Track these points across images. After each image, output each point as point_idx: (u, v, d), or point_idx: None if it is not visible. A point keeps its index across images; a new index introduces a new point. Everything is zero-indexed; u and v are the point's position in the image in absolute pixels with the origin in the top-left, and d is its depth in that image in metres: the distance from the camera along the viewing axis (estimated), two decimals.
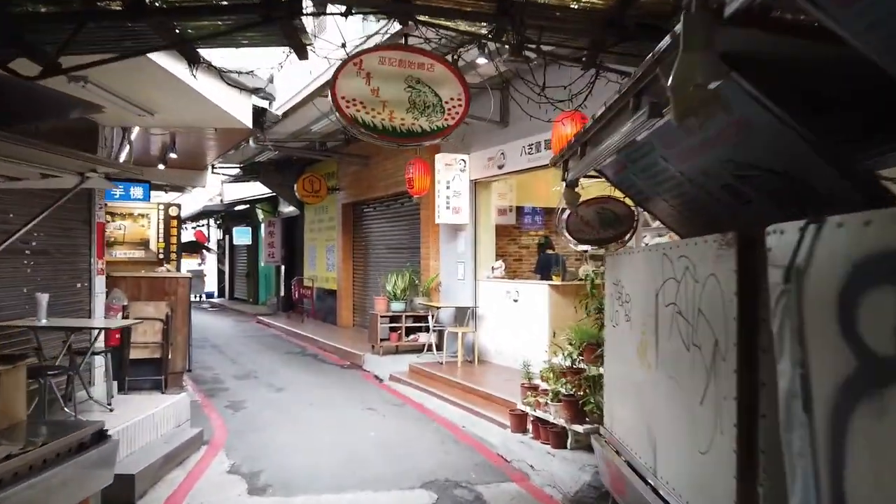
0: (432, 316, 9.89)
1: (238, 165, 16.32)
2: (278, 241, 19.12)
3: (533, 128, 8.50)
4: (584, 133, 3.36)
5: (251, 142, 11.91)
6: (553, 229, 11.21)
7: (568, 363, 5.77)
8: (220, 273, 27.57)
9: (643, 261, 3.31)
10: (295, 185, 14.27)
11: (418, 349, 10.30)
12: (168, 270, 9.62)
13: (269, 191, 18.44)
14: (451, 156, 9.84)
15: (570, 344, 5.83)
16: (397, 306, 10.21)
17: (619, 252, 3.91)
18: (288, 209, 18.61)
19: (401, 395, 8.48)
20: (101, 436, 4.04)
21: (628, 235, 4.15)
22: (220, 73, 6.18)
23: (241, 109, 7.27)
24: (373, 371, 9.97)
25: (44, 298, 5.83)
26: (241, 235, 22.30)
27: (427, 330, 10.22)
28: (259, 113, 8.45)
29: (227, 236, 25.80)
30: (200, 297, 26.55)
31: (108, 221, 10.02)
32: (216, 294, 27.21)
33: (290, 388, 8.88)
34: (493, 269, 9.71)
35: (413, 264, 11.31)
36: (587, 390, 5.31)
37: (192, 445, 6.16)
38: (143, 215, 10.26)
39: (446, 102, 4.60)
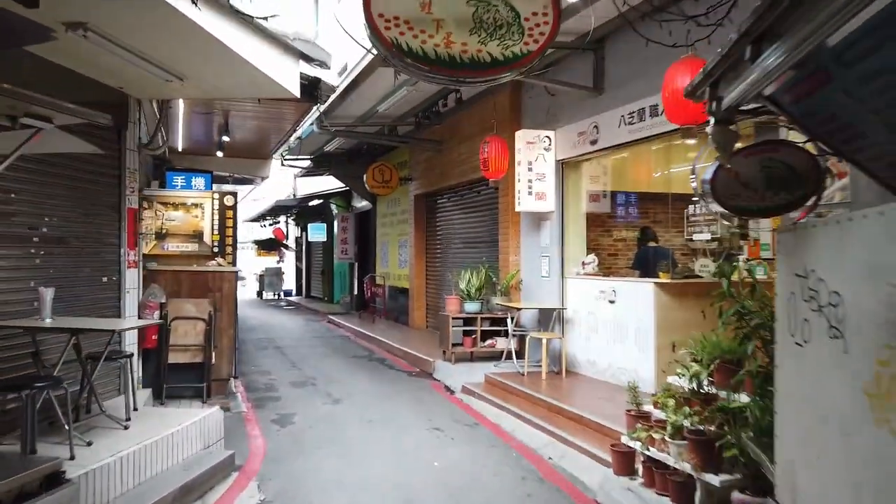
0: (512, 319, 8.55)
1: (308, 157, 15.53)
2: (351, 236, 18.28)
3: (634, 92, 7.03)
4: (759, 20, 1.96)
5: (314, 127, 10.95)
6: (653, 218, 9.63)
7: (692, 386, 4.30)
8: (298, 271, 27.21)
9: (885, 235, 1.86)
10: (364, 176, 13.26)
11: (495, 356, 8.98)
12: (219, 265, 8.74)
13: (342, 184, 17.61)
14: (533, 132, 8.47)
15: (695, 360, 4.36)
16: (472, 307, 8.93)
17: (814, 223, 2.44)
18: (361, 203, 17.73)
19: (474, 411, 7.20)
20: (54, 480, 2.96)
21: (812, 200, 2.67)
22: (252, 20, 5.07)
23: (286, 75, 6.18)
24: (443, 381, 8.74)
25: (48, 293, 4.91)
26: (316, 232, 21.67)
27: (505, 335, 8.89)
28: (312, 84, 7.39)
29: (304, 233, 25.34)
30: (279, 295, 26.27)
31: (160, 212, 9.26)
32: (294, 292, 26.85)
33: (348, 399, 7.77)
34: (583, 264, 8.26)
35: (490, 260, 10.00)
36: (724, 427, 3.83)
37: (220, 472, 5.10)
38: (196, 205, 9.43)
39: (526, 20, 3.30)
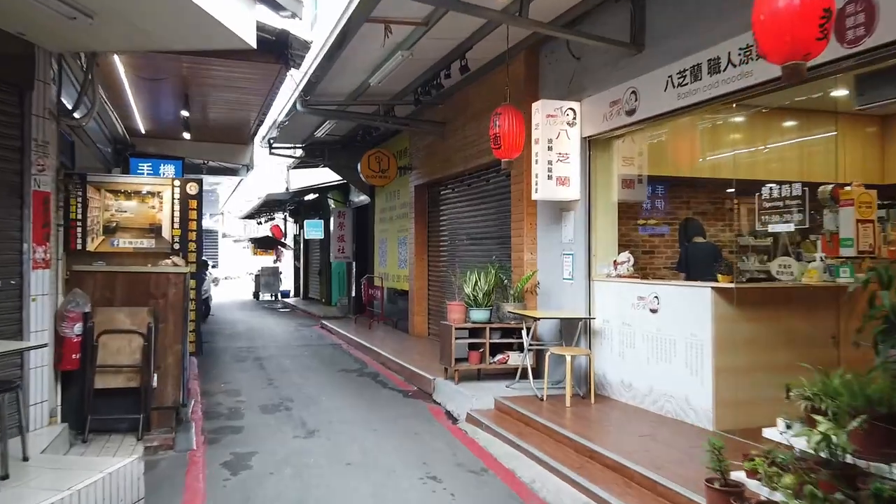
0: (527, 330, 7.04)
1: (298, 146, 14.06)
2: (349, 234, 16.82)
3: (686, 44, 5.51)
4: None
5: (298, 105, 9.47)
6: (694, 209, 8.09)
7: (821, 453, 2.78)
8: (297, 270, 25.78)
9: None
10: (359, 165, 11.79)
11: (508, 375, 7.50)
12: (174, 264, 7.27)
13: (338, 177, 16.15)
14: (554, 103, 6.96)
15: (818, 412, 2.84)
16: (479, 315, 7.43)
17: None
18: (359, 198, 16.27)
19: (481, 449, 5.69)
20: None
21: None
22: None
23: (237, 18, 4.70)
24: (444, 404, 7.24)
25: None
26: (313, 229, 20.22)
27: (519, 349, 7.39)
28: (281, 41, 5.92)
29: (301, 231, 23.91)
30: (276, 296, 24.86)
31: (109, 202, 7.81)
32: (292, 293, 25.43)
33: (326, 429, 6.29)
34: (616, 264, 6.75)
35: (501, 259, 8.50)
36: None
37: None
38: (153, 194, 7.97)
39: None
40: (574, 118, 6.98)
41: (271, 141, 13.26)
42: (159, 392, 5.87)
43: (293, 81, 9.31)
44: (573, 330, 6.91)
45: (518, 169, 7.92)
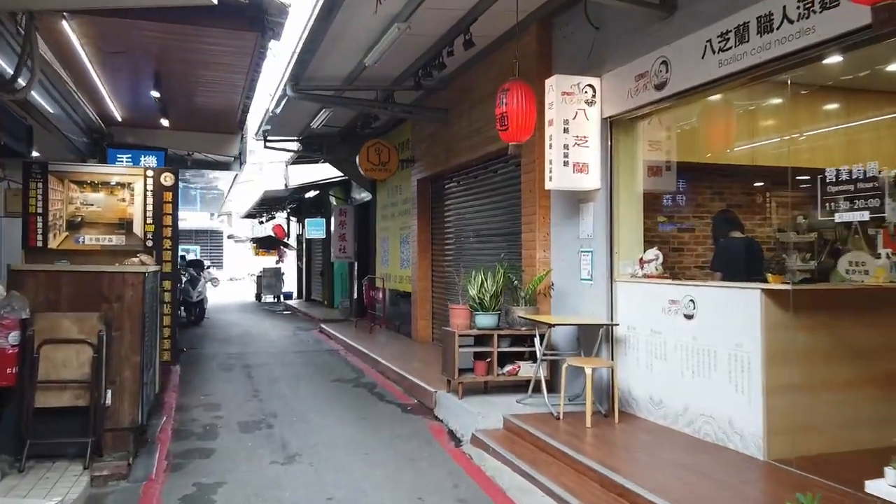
0: (541, 337, 6.19)
1: (296, 138, 13.26)
2: (350, 232, 16.00)
3: (728, 2, 4.66)
4: None
5: (288, 90, 8.66)
6: (728, 201, 7.22)
7: None
8: (299, 271, 25.01)
9: None
10: (357, 158, 10.97)
11: (518, 388, 6.65)
12: (142, 263, 6.47)
13: (339, 172, 15.35)
14: (570, 79, 6.11)
15: None
16: (486, 321, 6.57)
17: None
18: (361, 194, 15.47)
19: (488, 480, 4.84)
20: None
21: None
22: None
23: None
24: (447, 421, 6.41)
25: None
26: (314, 228, 19.42)
27: (531, 358, 6.54)
28: (254, 2, 5.09)
29: (303, 230, 23.14)
30: (278, 298, 24.09)
31: (73, 193, 7.03)
32: (294, 294, 24.64)
33: (310, 453, 5.47)
34: (641, 262, 5.89)
35: (511, 257, 7.65)
36: None
37: None
38: (123, 185, 7.18)
39: None
40: (593, 96, 6.12)
41: (265, 133, 12.48)
42: (114, 411, 5.05)
43: (281, 65, 8.52)
44: (593, 338, 6.04)
45: (529, 157, 7.08)
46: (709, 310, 5.02)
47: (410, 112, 9.90)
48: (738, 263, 5.93)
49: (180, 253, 31.54)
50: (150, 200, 7.26)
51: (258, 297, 24.72)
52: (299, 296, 24.34)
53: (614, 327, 5.98)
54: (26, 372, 4.71)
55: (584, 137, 6.10)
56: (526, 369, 6.59)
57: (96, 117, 8.64)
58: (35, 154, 8.30)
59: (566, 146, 6.05)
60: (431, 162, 10.25)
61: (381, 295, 12.85)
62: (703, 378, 5.03)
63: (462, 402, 6.39)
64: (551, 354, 6.28)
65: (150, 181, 7.27)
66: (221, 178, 17.15)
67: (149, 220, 7.24)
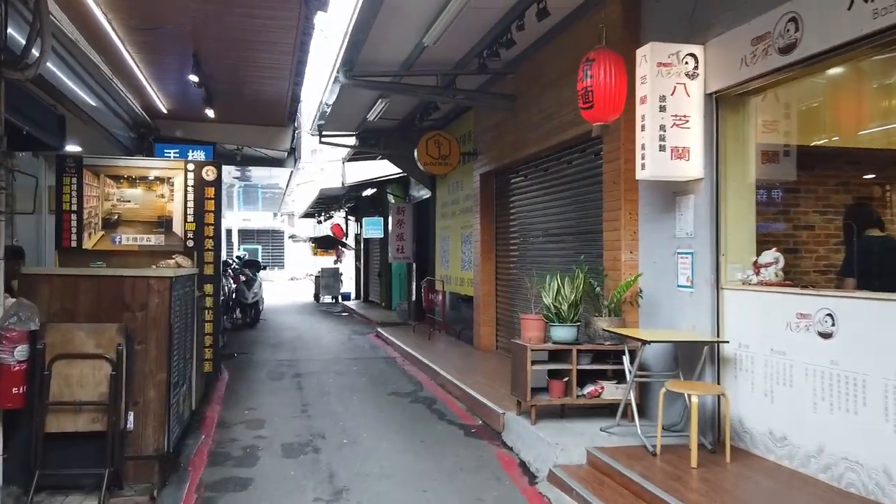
0: (630, 354, 5.23)
1: (353, 133, 12.61)
2: (408, 232, 15.27)
3: None
4: None
5: (341, 77, 7.94)
6: (856, 192, 6.08)
7: None
8: (357, 271, 24.52)
9: None
10: (416, 151, 10.19)
11: (601, 411, 5.71)
12: (178, 265, 5.84)
13: (397, 169, 14.65)
14: (668, 48, 5.12)
15: None
16: (563, 333, 5.64)
17: None
18: (420, 192, 14.71)
19: None
20: None
21: None
22: None
23: None
24: (518, 450, 5.53)
25: None
26: (372, 227, 18.83)
27: (615, 377, 5.60)
28: None
29: (361, 229, 22.62)
30: (336, 299, 23.66)
31: (110, 189, 6.48)
32: (353, 295, 24.16)
33: (359, 487, 4.69)
34: (756, 266, 4.86)
35: (590, 259, 6.68)
36: None
37: None
38: (162, 181, 6.60)
39: None
40: (695, 67, 5.12)
41: (320, 127, 11.86)
42: (136, 437, 4.40)
43: (332, 51, 7.82)
44: (694, 357, 5.04)
45: (613, 143, 6.11)
46: (855, 327, 3.97)
47: (474, 99, 9.05)
48: (879, 266, 4.83)
49: (239, 253, 31.63)
50: (190, 197, 6.65)
51: (316, 297, 24.37)
52: (357, 297, 23.85)
53: (723, 345, 4.96)
54: (35, 391, 4.09)
55: (685, 117, 5.10)
56: (610, 391, 5.64)
57: (141, 110, 8.15)
58: (77, 149, 7.87)
59: (662, 127, 5.07)
60: (496, 154, 9.37)
61: (440, 298, 12.05)
62: (847, 413, 3.98)
63: (535, 428, 5.49)
64: (643, 375, 5.30)
65: (190, 176, 6.67)
66: (281, 177, 16.66)
67: (189, 218, 6.63)
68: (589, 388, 5.68)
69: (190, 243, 6.62)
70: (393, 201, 16.34)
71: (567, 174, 7.73)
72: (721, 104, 5.12)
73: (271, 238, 44.40)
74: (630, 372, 5.13)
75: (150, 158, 6.99)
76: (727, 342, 4.92)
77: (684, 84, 5.11)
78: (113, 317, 4.35)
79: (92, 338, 4.21)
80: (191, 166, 6.67)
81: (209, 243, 6.67)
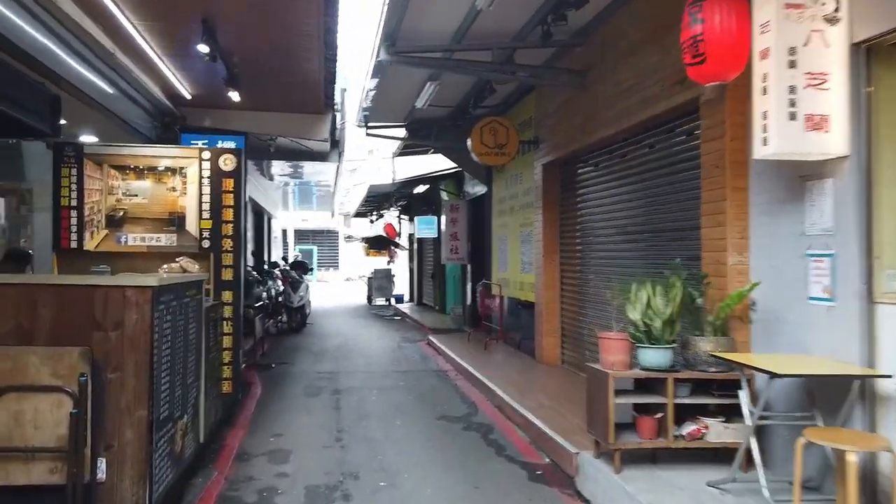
0: (746, 387, 3.99)
1: (401, 124, 11.61)
2: (462, 231, 14.19)
3: None
4: None
5: (383, 52, 6.92)
6: None
7: None
8: (411, 273, 23.60)
9: None
10: (469, 141, 9.09)
11: (704, 456, 4.49)
12: (183, 270, 4.92)
13: (450, 164, 13.61)
14: None
15: None
16: (655, 358, 4.44)
17: None
18: (475, 188, 13.61)
19: None
20: None
21: None
22: None
23: None
24: None
25: None
26: (425, 226, 17.84)
27: (723, 413, 4.38)
28: None
29: (414, 228, 21.66)
30: (389, 301, 22.79)
31: (114, 181, 5.63)
32: (406, 297, 23.25)
33: None
34: None
35: (688, 263, 5.41)
36: None
37: None
38: (173, 171, 5.70)
39: None
40: (836, 10, 3.84)
41: (366, 118, 10.92)
42: (109, 489, 3.45)
43: (373, 26, 6.82)
44: (837, 394, 3.77)
45: (716, 117, 4.87)
46: None
47: (537, 76, 7.88)
48: None
49: (293, 254, 31.27)
50: (206, 190, 5.74)
51: (369, 299, 23.57)
52: (410, 299, 22.92)
53: (883, 380, 3.67)
54: None
55: (822, 75, 3.83)
56: (716, 431, 4.41)
57: (162, 96, 7.33)
58: (93, 139, 7.11)
59: (792, 89, 3.80)
60: (561, 141, 8.17)
61: (497, 303, 10.91)
62: None
63: (620, 478, 4.30)
64: (765, 417, 4.04)
65: (206, 165, 5.75)
66: (329, 172, 15.82)
67: (205, 215, 5.72)
68: (689, 428, 4.46)
69: (206, 244, 5.71)
70: (446, 198, 15.29)
71: (649, 160, 6.48)
72: (873, 58, 3.84)
73: (326, 238, 44.10)
74: (751, 413, 3.89)
75: (158, 145, 6.14)
76: (889, 376, 3.63)
77: (821, 31, 3.84)
78: (80, 337, 3.42)
79: (48, 365, 3.28)
80: (206, 154, 5.75)
81: (228, 243, 5.73)
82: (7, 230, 7.60)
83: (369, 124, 11.21)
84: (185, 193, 5.70)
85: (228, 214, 5.74)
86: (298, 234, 42.36)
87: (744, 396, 4.02)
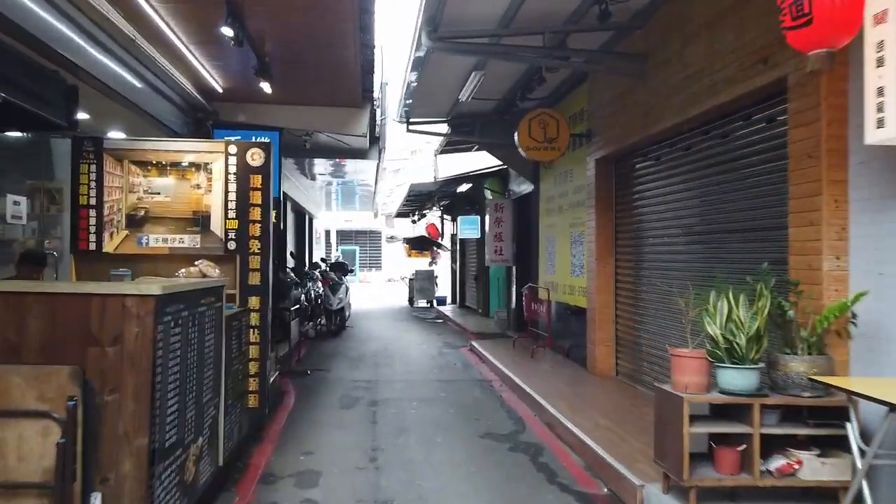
0: (853, 418, 3.31)
1: (443, 119, 11.09)
2: (507, 231, 13.58)
3: None
4: None
5: (424, 38, 6.39)
6: None
7: None
8: (453, 274, 23.07)
9: None
10: (516, 135, 8.49)
11: (792, 494, 3.82)
12: (202, 274, 4.47)
13: (495, 162, 13.03)
14: None
15: None
16: (738, 379, 3.79)
17: None
18: (521, 186, 12.99)
19: None
20: None
21: None
22: None
23: None
24: None
25: None
26: (468, 227, 17.28)
27: (818, 446, 3.69)
28: None
29: (456, 229, 21.11)
30: (431, 303, 22.31)
31: (135, 179, 5.24)
32: (448, 299, 22.72)
33: None
34: None
35: (775, 267, 4.71)
36: None
37: None
38: (197, 167, 5.28)
39: None
40: None
41: (407, 113, 10.44)
42: None
43: (412, 16, 6.31)
44: None
45: (809, 99, 4.19)
46: None
47: (593, 62, 7.23)
48: None
49: (335, 254, 31.00)
50: (232, 187, 5.30)
51: (411, 301, 23.14)
52: (452, 301, 22.39)
53: None
54: None
55: None
56: (812, 468, 3.74)
57: (193, 89, 6.97)
58: (120, 135, 6.78)
59: None
60: (617, 134, 7.51)
61: (544, 308, 10.28)
62: None
63: None
64: (883, 456, 3.35)
65: (232, 161, 5.32)
66: (369, 171, 15.37)
67: (231, 214, 5.28)
68: (777, 462, 3.79)
69: (231, 245, 5.27)
70: (490, 197, 14.70)
71: (720, 151, 5.78)
72: None
73: (369, 239, 43.97)
74: (862, 451, 3.22)
75: (182, 139, 5.72)
76: None
77: None
78: (73, 354, 2.97)
79: (33, 387, 2.84)
80: (232, 149, 5.32)
81: (255, 245, 5.28)
82: (36, 231, 7.33)
83: (410, 120, 10.73)
84: (210, 191, 5.27)
85: (256, 214, 5.29)
86: (341, 235, 42.32)
87: (852, 430, 3.34)
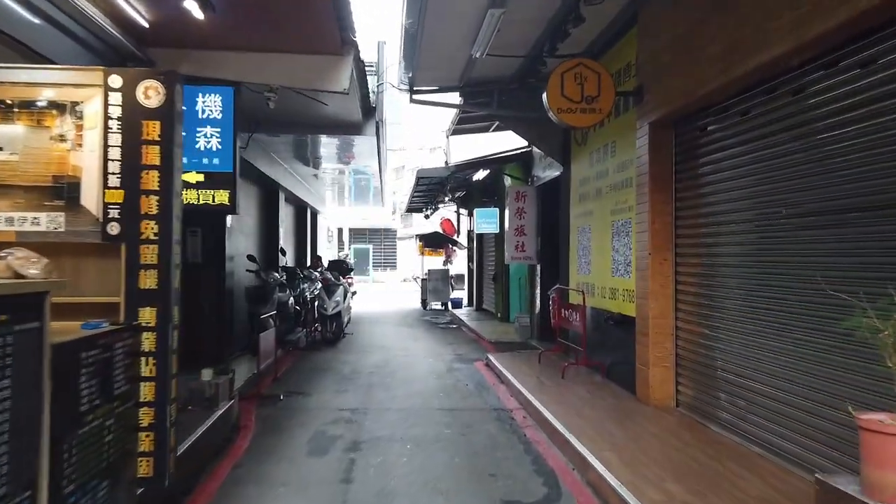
0: None
1: (455, 86, 9.20)
2: (531, 223, 11.67)
3: None
4: None
5: None
6: None
7: None
8: (469, 274, 21.16)
9: None
10: (545, 96, 6.58)
11: None
12: (13, 272, 2.63)
13: (517, 143, 11.14)
14: None
15: None
16: None
17: None
18: (546, 171, 11.07)
19: None
20: None
21: None
22: None
23: None
24: None
25: None
26: (485, 220, 15.41)
27: None
28: None
29: (473, 223, 19.20)
30: (446, 305, 20.42)
31: None
32: (465, 301, 20.81)
33: None
34: None
35: None
36: None
37: None
38: (60, 108, 3.46)
39: None
40: None
41: (410, 78, 8.59)
42: None
43: None
44: None
45: None
46: None
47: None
48: None
49: (343, 253, 29.35)
50: (115, 140, 3.47)
51: (423, 303, 21.28)
52: (469, 303, 20.47)
53: None
54: None
55: None
56: None
57: (111, 27, 5.17)
58: None
59: None
60: (681, 86, 5.59)
61: (577, 316, 8.34)
62: None
63: None
64: None
65: (114, 98, 3.49)
66: (370, 155, 13.46)
67: (113, 181, 3.45)
68: None
69: (113, 228, 3.44)
70: (510, 183, 12.79)
71: (845, 95, 3.84)
72: None
73: (384, 237, 42.25)
74: None
75: (35, 67, 3.90)
76: None
77: None
78: None
79: None
80: (115, 80, 3.49)
81: (149, 228, 3.45)
82: None
83: (414, 88, 8.87)
84: (79, 146, 3.46)
85: (152, 180, 3.46)
86: (354, 233, 40.63)
87: None
